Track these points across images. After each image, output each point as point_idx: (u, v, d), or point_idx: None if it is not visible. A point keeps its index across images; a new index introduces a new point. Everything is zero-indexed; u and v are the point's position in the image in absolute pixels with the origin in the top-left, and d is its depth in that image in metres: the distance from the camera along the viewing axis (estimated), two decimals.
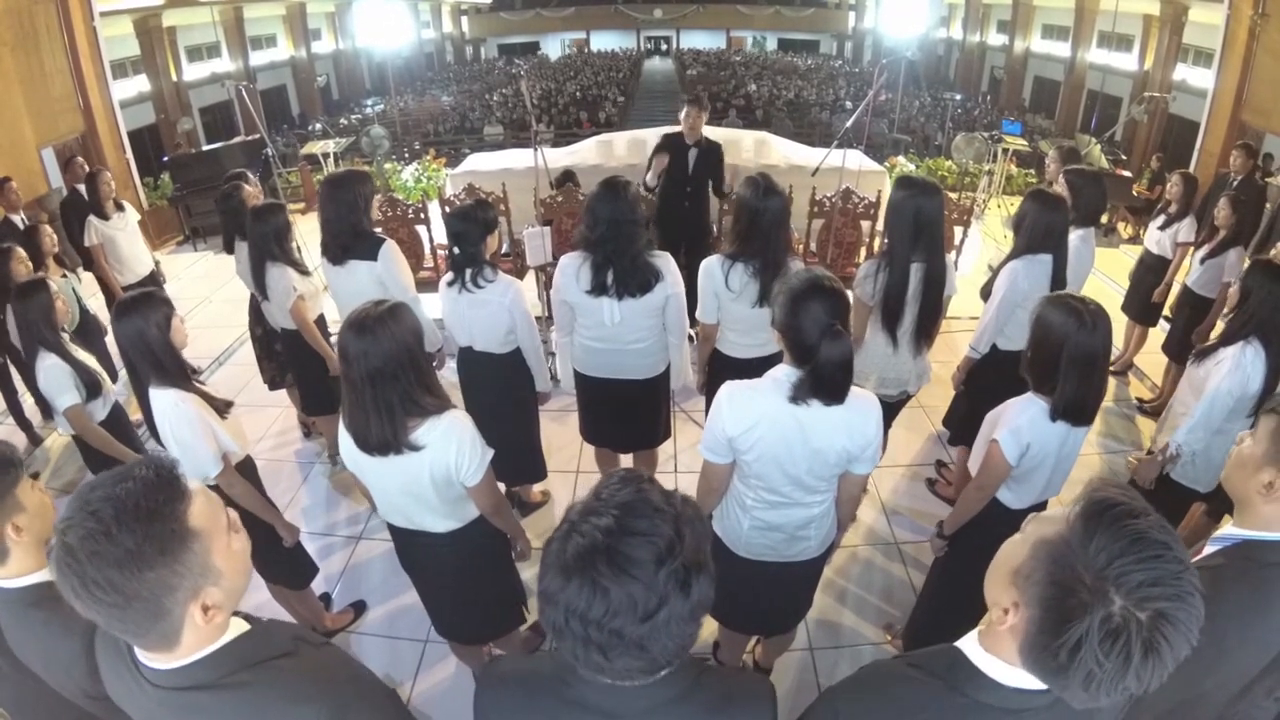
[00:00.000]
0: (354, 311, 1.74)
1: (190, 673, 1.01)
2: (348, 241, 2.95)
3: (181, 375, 2.17)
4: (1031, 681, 0.94)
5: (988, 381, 2.95)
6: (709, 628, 2.55)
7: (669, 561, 0.87)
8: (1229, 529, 1.43)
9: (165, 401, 2.12)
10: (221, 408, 2.27)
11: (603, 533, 0.88)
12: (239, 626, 1.08)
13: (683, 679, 1.00)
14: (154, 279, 4.76)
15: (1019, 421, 1.96)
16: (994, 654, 0.98)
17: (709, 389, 3.00)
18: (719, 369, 2.89)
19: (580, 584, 0.86)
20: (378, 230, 3.12)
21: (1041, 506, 2.20)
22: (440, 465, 1.81)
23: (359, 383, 1.72)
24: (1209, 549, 1.44)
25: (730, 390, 1.85)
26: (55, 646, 1.35)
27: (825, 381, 1.72)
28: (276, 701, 1.04)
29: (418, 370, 1.76)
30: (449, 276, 2.73)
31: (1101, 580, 0.82)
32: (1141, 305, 4.58)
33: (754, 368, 1.87)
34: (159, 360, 2.11)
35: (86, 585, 0.90)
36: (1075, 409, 1.93)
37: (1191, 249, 4.32)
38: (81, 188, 4.81)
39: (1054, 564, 0.87)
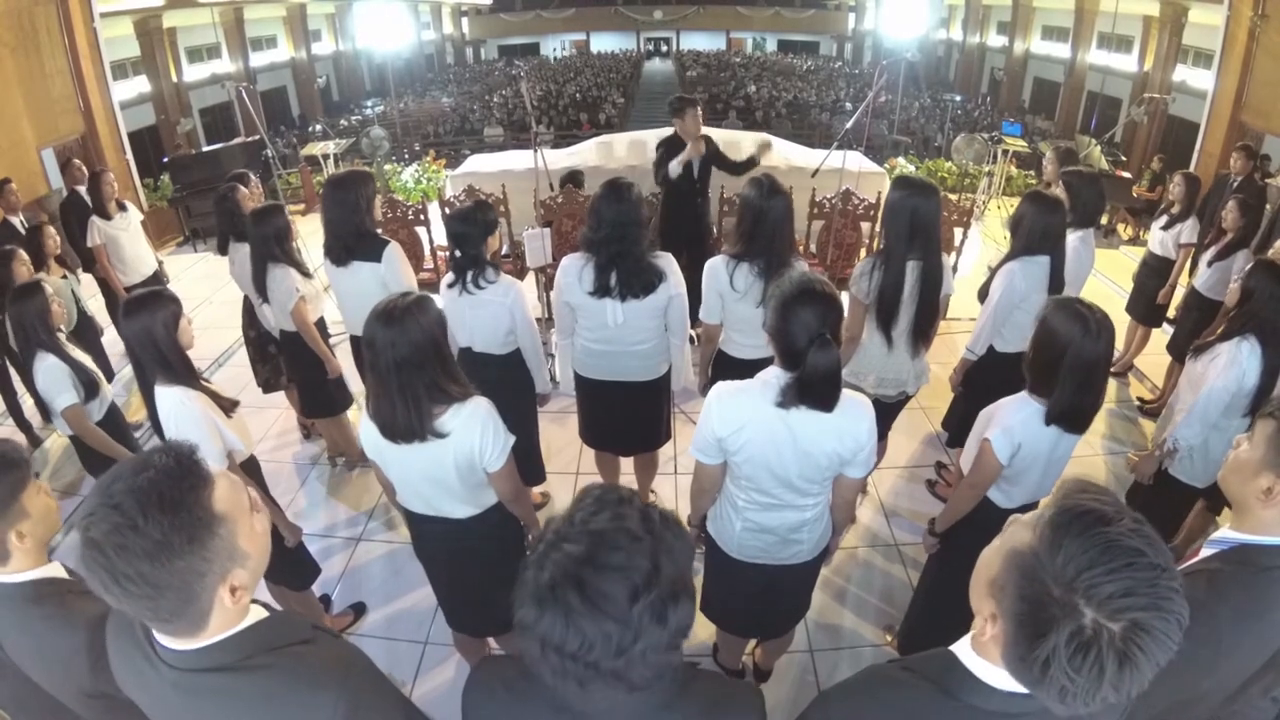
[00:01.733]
0: (381, 302, 1.79)
1: (210, 654, 1.01)
2: (351, 243, 2.95)
3: (188, 373, 2.18)
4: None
5: (986, 383, 2.94)
6: (708, 629, 2.55)
7: (644, 595, 0.85)
8: (1226, 532, 1.43)
9: (171, 399, 2.13)
10: (228, 406, 2.27)
11: (575, 563, 0.85)
12: (259, 613, 1.09)
13: (669, 688, 0.99)
14: (157, 279, 4.75)
15: (1011, 421, 1.96)
16: (986, 659, 0.97)
17: None
18: (722, 369, 2.89)
19: (553, 617, 0.85)
20: (379, 232, 3.12)
21: (1033, 507, 2.20)
22: (464, 451, 1.84)
23: (386, 372, 1.76)
24: (1205, 551, 1.44)
25: (719, 391, 1.84)
26: (55, 642, 1.35)
27: (812, 389, 1.72)
28: (295, 686, 1.04)
29: (443, 359, 1.82)
30: (450, 278, 2.73)
31: (1070, 593, 0.81)
32: (1146, 307, 4.58)
33: (758, 368, 1.86)
34: (165, 358, 2.12)
35: (117, 579, 0.90)
36: (1071, 416, 1.92)
37: (1194, 250, 4.31)
38: (81, 189, 4.82)
39: (1023, 578, 0.86)
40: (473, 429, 1.83)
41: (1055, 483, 2.12)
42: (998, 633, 0.90)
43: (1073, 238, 3.09)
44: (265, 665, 1.03)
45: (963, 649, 1.02)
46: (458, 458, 1.85)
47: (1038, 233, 2.83)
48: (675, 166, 4.33)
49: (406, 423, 1.79)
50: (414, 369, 1.75)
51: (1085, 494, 0.88)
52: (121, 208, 4.57)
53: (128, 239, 4.55)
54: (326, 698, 1.03)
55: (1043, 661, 0.82)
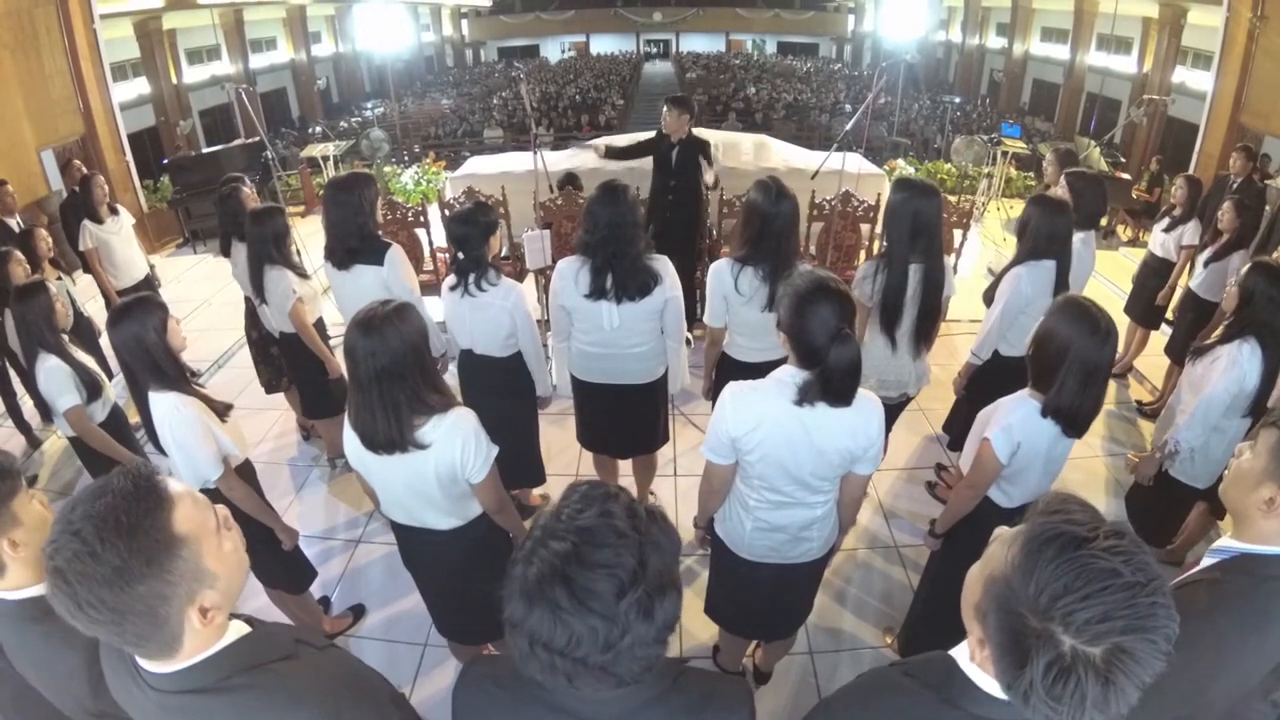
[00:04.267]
0: (360, 311, 1.76)
1: (189, 676, 1.01)
2: (354, 245, 2.95)
3: (181, 378, 2.17)
4: None
5: (990, 387, 2.93)
6: (709, 630, 2.54)
7: (631, 592, 0.86)
8: (1227, 541, 1.42)
9: (165, 405, 2.12)
10: (221, 410, 2.26)
11: (561, 560, 0.86)
12: (239, 630, 1.08)
13: (659, 683, 1.00)
14: (149, 283, 4.75)
15: (1010, 420, 1.96)
16: (983, 670, 0.97)
17: (717, 392, 3.00)
18: (727, 372, 2.88)
19: (541, 614, 0.86)
20: (380, 234, 3.11)
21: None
22: (446, 462, 1.82)
23: (366, 382, 1.73)
24: (1206, 560, 1.43)
25: (733, 391, 1.84)
26: (55, 661, 1.34)
27: (834, 385, 1.72)
28: (273, 705, 1.04)
29: (424, 369, 1.78)
30: (451, 280, 2.73)
31: (1047, 621, 0.80)
32: (1145, 308, 4.58)
33: (762, 371, 1.87)
34: (157, 365, 2.11)
35: (80, 606, 0.90)
36: (1069, 414, 1.91)
37: (1195, 252, 4.32)
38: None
39: (999, 610, 0.86)
40: (454, 440, 1.80)
41: (1051, 482, 2.12)
42: (987, 656, 0.91)
43: (1074, 240, 3.09)
44: (244, 685, 1.02)
45: (962, 655, 1.01)
46: (439, 469, 1.83)
47: (1044, 236, 2.82)
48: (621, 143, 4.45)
49: (387, 434, 1.77)
50: (394, 379, 1.72)
51: (1058, 514, 0.87)
52: (113, 211, 4.57)
53: (119, 242, 4.56)
54: (303, 715, 1.03)
55: (1023, 691, 0.82)
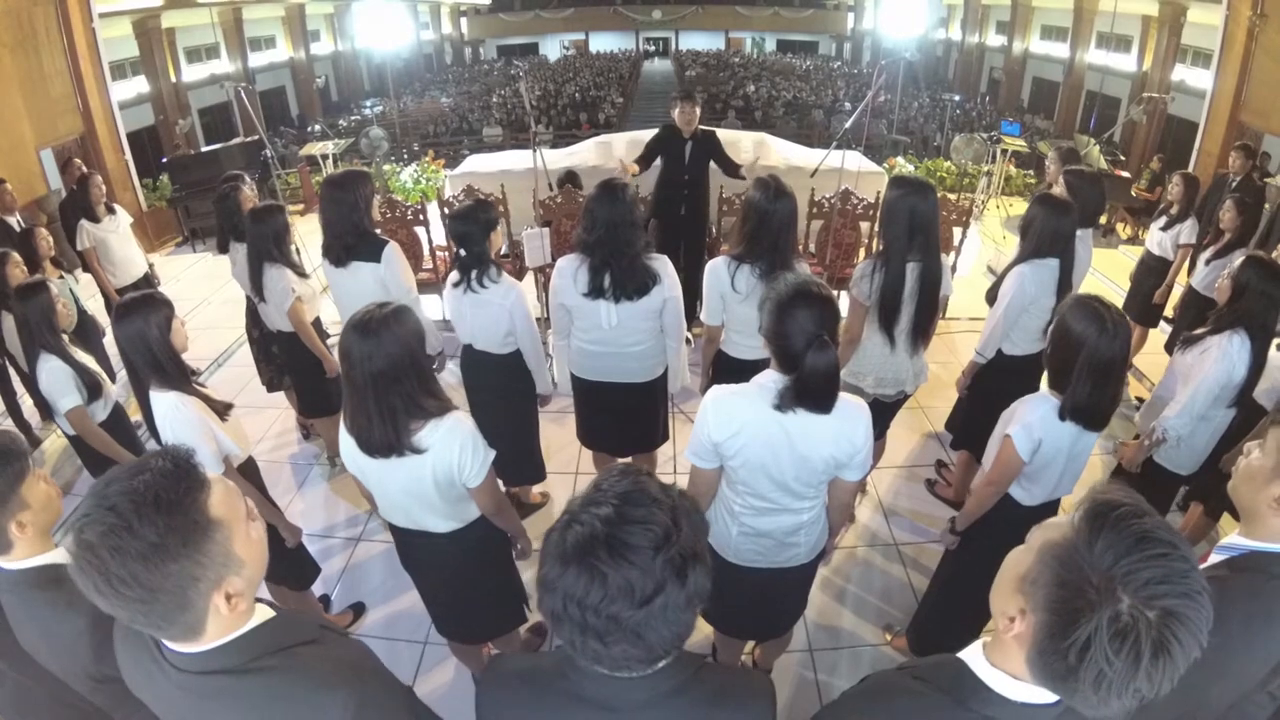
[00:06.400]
0: (357, 313, 1.74)
1: (215, 657, 1.01)
2: (351, 242, 2.95)
3: (182, 377, 2.17)
4: (1039, 695, 0.93)
5: (992, 386, 2.95)
6: (706, 630, 2.55)
7: (666, 549, 0.90)
8: (1236, 539, 1.42)
9: (166, 404, 2.12)
10: (221, 410, 2.26)
11: (602, 521, 0.91)
12: (265, 613, 1.08)
13: (680, 672, 1.01)
14: (148, 281, 4.75)
15: (1031, 417, 1.99)
16: (1000, 668, 0.97)
17: None
18: (723, 370, 2.89)
19: (578, 571, 0.89)
20: (378, 232, 3.12)
21: (1054, 505, 2.21)
22: (443, 467, 1.81)
23: (362, 385, 1.72)
24: (1214, 558, 1.43)
25: (716, 395, 1.83)
26: (59, 625, 1.36)
27: (810, 391, 1.71)
28: (302, 687, 1.04)
29: (420, 372, 1.77)
30: (454, 276, 2.73)
31: (1109, 579, 0.82)
32: (1142, 306, 4.58)
33: (759, 369, 1.86)
34: (159, 362, 2.11)
35: (110, 582, 0.89)
36: (1086, 412, 1.94)
37: (1193, 250, 4.32)
38: None
39: (1060, 565, 0.87)
40: (451, 445, 1.79)
41: (1074, 480, 2.14)
42: (1025, 628, 0.90)
43: None
44: (271, 667, 1.03)
45: (974, 658, 1.01)
46: (436, 473, 1.82)
47: (1048, 235, 2.82)
48: (620, 174, 4.33)
49: (383, 437, 1.75)
50: (390, 382, 1.71)
51: (1118, 491, 0.90)
52: (110, 210, 4.57)
53: (117, 241, 4.56)
54: (335, 698, 1.03)
55: (1081, 645, 0.82)
